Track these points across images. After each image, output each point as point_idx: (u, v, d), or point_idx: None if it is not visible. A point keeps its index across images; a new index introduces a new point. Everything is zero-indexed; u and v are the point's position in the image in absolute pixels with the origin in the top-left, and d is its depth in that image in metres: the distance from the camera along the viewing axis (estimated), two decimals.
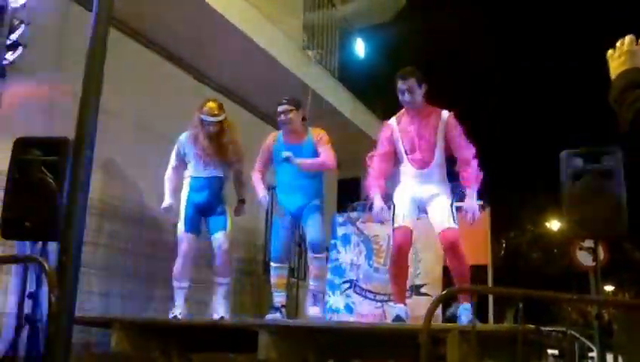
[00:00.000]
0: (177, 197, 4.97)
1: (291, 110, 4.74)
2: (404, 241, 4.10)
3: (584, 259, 7.86)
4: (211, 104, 4.89)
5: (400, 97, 4.21)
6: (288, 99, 4.81)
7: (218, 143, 4.87)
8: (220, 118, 4.86)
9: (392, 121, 4.35)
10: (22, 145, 4.04)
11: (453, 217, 4.08)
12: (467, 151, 4.17)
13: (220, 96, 6.71)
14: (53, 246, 3.76)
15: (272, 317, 4.66)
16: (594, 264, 4.54)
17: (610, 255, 7.87)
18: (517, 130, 17.15)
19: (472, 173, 4.15)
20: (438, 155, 4.19)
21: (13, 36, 4.30)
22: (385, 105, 9.66)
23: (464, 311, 3.91)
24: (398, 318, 3.99)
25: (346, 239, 5.88)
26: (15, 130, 4.21)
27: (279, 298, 4.79)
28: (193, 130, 4.89)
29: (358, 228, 5.74)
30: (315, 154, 4.75)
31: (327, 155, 4.72)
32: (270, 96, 7.03)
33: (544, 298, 3.50)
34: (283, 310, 4.76)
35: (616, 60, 1.90)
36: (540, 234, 21.02)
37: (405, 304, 4.14)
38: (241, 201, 5.13)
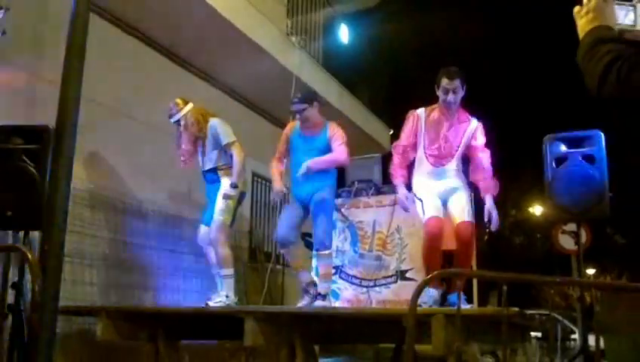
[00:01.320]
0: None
1: (304, 108, 4.72)
2: (436, 231, 4.14)
3: (566, 242, 7.95)
4: (176, 100, 5.01)
5: (442, 95, 4.23)
6: (300, 97, 4.77)
7: (193, 136, 4.96)
8: (177, 117, 4.96)
9: (421, 111, 4.38)
10: (2, 134, 3.97)
11: (471, 211, 4.24)
12: (487, 162, 4.32)
13: (203, 83, 6.70)
14: (36, 236, 3.73)
15: (304, 304, 4.61)
16: (576, 247, 4.59)
17: (592, 238, 7.97)
18: (500, 114, 17.25)
19: (491, 182, 4.31)
20: (457, 159, 4.32)
21: None
22: (370, 92, 9.69)
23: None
24: (434, 301, 4.06)
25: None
26: None
27: (304, 277, 4.75)
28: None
29: (342, 215, 5.75)
30: (328, 148, 4.74)
31: (340, 152, 4.70)
32: (254, 82, 7.04)
33: (528, 281, 3.54)
34: (311, 288, 4.68)
35: (584, 18, 1.84)
36: (522, 219, 21.25)
37: (442, 287, 4.19)
38: (233, 186, 4.98)
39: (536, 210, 19.90)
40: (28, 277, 3.55)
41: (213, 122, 5.00)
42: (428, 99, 4.43)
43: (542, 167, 4.28)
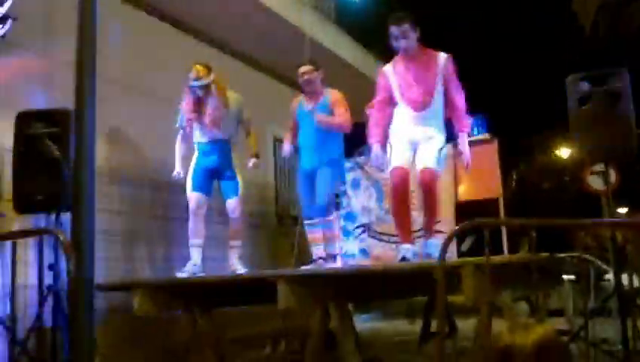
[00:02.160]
0: (187, 163, 5.07)
1: (311, 70, 4.87)
2: (399, 182, 4.12)
3: (596, 183, 7.84)
4: (197, 67, 4.91)
5: (394, 43, 4.17)
6: (308, 61, 4.99)
7: (206, 105, 4.92)
8: (205, 82, 4.87)
9: (388, 67, 4.32)
10: (24, 120, 4.03)
11: (437, 159, 4.10)
12: (460, 98, 4.21)
13: (217, 52, 6.66)
14: (68, 217, 3.81)
15: (306, 267, 4.75)
16: (605, 187, 4.53)
17: (621, 177, 7.85)
18: (521, 58, 16.88)
19: (466, 119, 4.24)
20: (437, 98, 4.18)
21: (2, 9, 4.23)
22: (385, 47, 9.53)
23: (433, 247, 4.00)
24: (403, 259, 4.04)
25: (355, 183, 5.90)
26: (14, 104, 4.19)
27: (317, 250, 4.88)
28: (184, 97, 4.98)
29: (366, 172, 5.75)
30: (330, 114, 4.82)
31: (344, 118, 4.81)
32: (266, 46, 6.98)
33: (555, 225, 3.52)
34: (320, 261, 4.83)
35: None
36: (550, 163, 20.98)
37: (412, 243, 4.17)
38: (255, 156, 5.15)
39: (563, 152, 19.62)
40: (63, 257, 3.65)
41: (237, 96, 5.06)
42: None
43: (567, 108, 4.19)
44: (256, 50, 7.10)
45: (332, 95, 4.90)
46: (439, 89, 4.17)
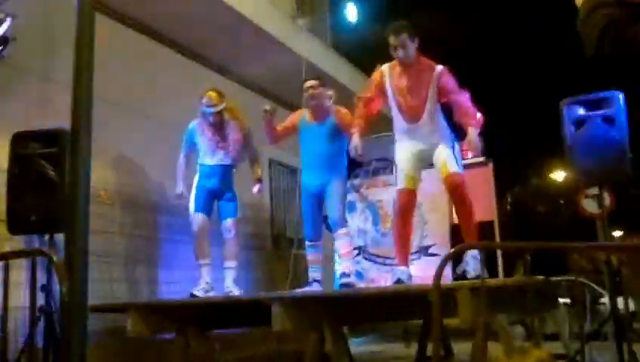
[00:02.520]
0: (189, 183, 5.10)
1: (317, 86, 4.83)
2: (405, 204, 4.14)
3: (590, 206, 7.86)
4: (210, 93, 4.98)
5: (392, 53, 4.19)
6: (314, 77, 4.98)
7: (223, 131, 4.99)
8: (219, 108, 4.92)
9: (385, 67, 4.33)
10: (20, 140, 4.03)
11: (457, 162, 4.09)
12: (463, 97, 4.15)
13: (216, 76, 6.69)
14: (61, 238, 3.79)
15: (302, 290, 4.76)
16: (600, 211, 4.54)
17: (616, 200, 7.87)
18: (516, 82, 17.02)
19: (473, 115, 4.12)
20: (430, 106, 4.16)
21: (1, 30, 4.25)
22: None
23: (472, 259, 3.95)
24: (398, 281, 4.02)
25: (351, 206, 5.88)
26: (11, 125, 4.19)
27: (314, 273, 4.87)
28: (199, 120, 5.03)
29: (361, 195, 5.75)
30: (337, 133, 4.79)
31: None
32: (265, 70, 7.02)
33: (551, 249, 3.52)
34: (316, 284, 4.81)
35: None
36: (545, 186, 21.04)
37: (407, 266, 4.16)
38: (259, 180, 5.21)
39: (558, 175, 19.69)
40: (56, 278, 3.62)
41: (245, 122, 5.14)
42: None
43: (561, 132, 4.21)
44: (253, 73, 7.13)
45: (337, 114, 4.83)
46: (432, 101, 4.16)
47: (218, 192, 5.04)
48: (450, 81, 4.17)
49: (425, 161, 4.26)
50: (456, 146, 4.20)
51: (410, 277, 4.10)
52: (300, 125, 4.95)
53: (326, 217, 5.12)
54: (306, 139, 4.89)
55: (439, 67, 4.19)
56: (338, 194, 4.76)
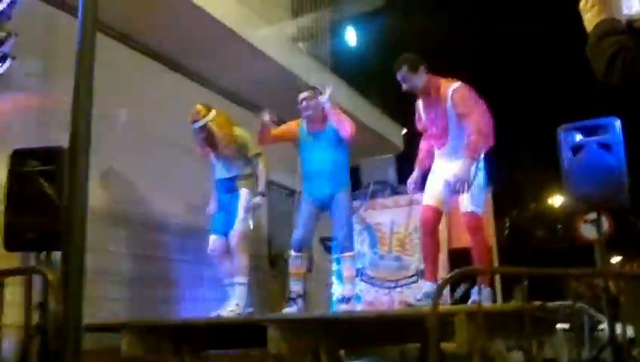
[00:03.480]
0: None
1: (311, 97, 4.76)
2: (426, 219, 4.22)
3: (588, 231, 7.83)
4: (196, 107, 4.92)
5: (402, 87, 4.28)
6: (308, 88, 4.92)
7: (215, 144, 4.91)
8: (203, 122, 4.86)
9: (419, 101, 4.44)
10: (18, 157, 4.04)
11: (474, 199, 4.06)
12: (468, 122, 4.05)
13: (214, 95, 6.73)
14: (58, 256, 3.78)
15: (290, 310, 4.61)
16: (598, 236, 4.53)
17: (614, 226, 7.85)
18: (513, 107, 17.10)
19: (471, 143, 4.01)
20: (454, 133, 4.17)
21: (2, 48, 4.28)
22: (381, 92, 9.65)
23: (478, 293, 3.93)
24: (427, 295, 4.01)
25: None
26: (9, 142, 4.20)
27: (296, 287, 4.72)
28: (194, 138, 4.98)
29: (360, 217, 5.75)
30: (338, 141, 4.69)
31: (347, 123, 4.68)
32: (264, 90, 7.05)
33: (549, 275, 3.51)
34: (299, 300, 4.67)
35: (590, 11, 1.88)
36: (543, 211, 21.03)
37: (434, 281, 4.15)
38: (261, 194, 5.04)
39: (556, 200, 19.69)
40: (51, 296, 3.60)
41: (240, 132, 5.04)
42: None
43: (558, 157, 4.23)
44: (253, 94, 7.17)
45: (334, 120, 4.70)
46: (453, 122, 4.14)
47: (227, 206, 4.96)
48: (460, 101, 4.10)
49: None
50: (480, 174, 4.13)
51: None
52: (300, 136, 4.86)
53: (326, 239, 5.06)
54: (307, 149, 4.79)
55: (453, 85, 4.17)
56: (344, 212, 4.61)
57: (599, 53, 1.78)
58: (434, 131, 4.30)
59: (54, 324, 2.92)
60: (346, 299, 4.61)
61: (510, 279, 6.05)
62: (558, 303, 4.04)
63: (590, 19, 1.88)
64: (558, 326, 4.98)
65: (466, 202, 4.07)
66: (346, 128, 4.64)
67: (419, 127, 4.50)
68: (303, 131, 4.86)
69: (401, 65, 4.21)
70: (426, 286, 4.17)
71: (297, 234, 4.74)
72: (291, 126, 4.98)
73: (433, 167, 4.35)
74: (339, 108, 4.85)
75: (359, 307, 5.43)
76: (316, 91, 4.81)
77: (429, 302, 3.93)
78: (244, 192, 4.93)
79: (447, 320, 3.13)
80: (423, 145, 4.51)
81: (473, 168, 4.05)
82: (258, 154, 5.02)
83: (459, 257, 4.46)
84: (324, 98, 4.70)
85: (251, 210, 4.93)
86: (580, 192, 4.11)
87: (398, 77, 4.25)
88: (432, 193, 4.24)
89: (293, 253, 4.76)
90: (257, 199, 4.98)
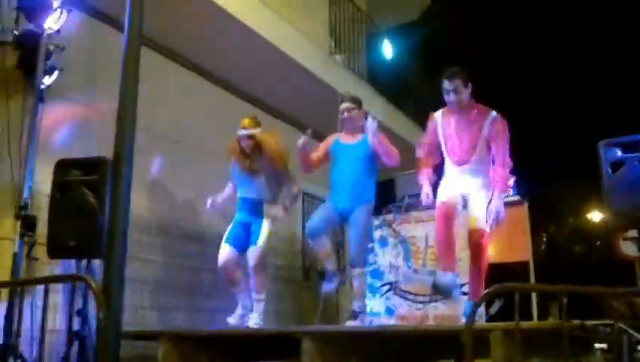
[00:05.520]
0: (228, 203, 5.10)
1: (353, 108, 4.76)
2: (444, 214, 4.13)
3: (629, 249, 7.66)
4: (245, 119, 4.95)
5: (445, 97, 4.23)
6: (350, 98, 4.87)
7: (255, 163, 4.90)
8: (251, 132, 4.88)
9: (438, 113, 4.38)
10: (63, 167, 4.16)
11: (486, 220, 4.05)
12: (502, 156, 4.11)
13: (252, 107, 6.82)
14: (98, 264, 3.88)
15: (329, 288, 4.63)
16: (639, 254, 4.44)
17: None
18: (553, 122, 16.85)
19: (503, 179, 4.09)
20: (480, 154, 4.17)
21: (50, 61, 4.43)
22: (416, 105, 9.64)
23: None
24: (433, 286, 4.01)
25: (383, 241, 5.88)
26: (55, 152, 4.33)
27: (329, 266, 4.68)
28: (231, 146, 4.98)
29: (394, 230, 5.74)
30: (370, 154, 4.65)
31: (395, 152, 4.66)
32: (302, 104, 7.13)
33: (588, 292, 3.45)
34: (336, 275, 4.64)
35: None
36: (581, 227, 20.60)
37: (451, 271, 4.07)
38: (285, 208, 5.04)
39: (595, 216, 19.28)
40: (91, 303, 3.69)
41: (287, 151, 4.98)
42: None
43: (598, 172, 4.16)
44: (291, 107, 7.25)
45: (382, 149, 4.63)
46: (482, 145, 4.16)
47: (248, 225, 4.93)
48: (500, 132, 4.14)
49: (464, 202, 4.24)
50: (495, 197, 4.11)
51: (453, 282, 4.02)
52: (334, 146, 4.83)
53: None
54: (338, 158, 4.74)
55: (493, 113, 4.19)
56: (360, 228, 4.55)
57: None
58: (455, 150, 4.23)
59: (94, 330, 2.99)
60: (355, 314, 4.55)
61: (547, 295, 5.95)
62: (597, 322, 3.96)
63: None
64: (596, 345, 4.88)
65: (479, 221, 4.05)
66: (393, 157, 4.63)
67: (429, 138, 4.39)
68: (337, 142, 4.85)
69: (457, 75, 4.17)
70: (441, 273, 4.08)
71: (312, 222, 4.65)
72: (326, 143, 4.94)
73: (447, 180, 4.28)
74: (379, 124, 4.78)
75: (392, 321, 5.41)
76: (357, 102, 4.82)
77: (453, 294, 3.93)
78: (267, 222, 4.92)
79: (483, 336, 3.10)
80: (427, 157, 4.41)
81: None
82: (291, 172, 5.04)
83: (495, 272, 4.40)
84: (371, 122, 4.61)
85: (276, 225, 4.96)
86: (620, 209, 4.03)
87: (449, 86, 4.17)
88: (446, 194, 4.17)
89: (310, 241, 4.66)
90: (282, 209, 4.99)
